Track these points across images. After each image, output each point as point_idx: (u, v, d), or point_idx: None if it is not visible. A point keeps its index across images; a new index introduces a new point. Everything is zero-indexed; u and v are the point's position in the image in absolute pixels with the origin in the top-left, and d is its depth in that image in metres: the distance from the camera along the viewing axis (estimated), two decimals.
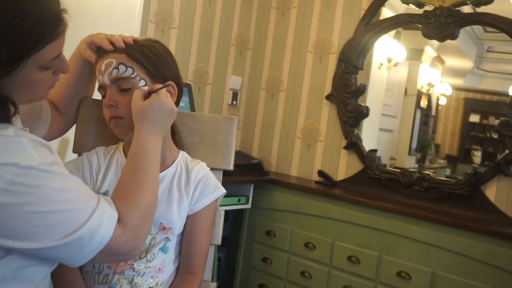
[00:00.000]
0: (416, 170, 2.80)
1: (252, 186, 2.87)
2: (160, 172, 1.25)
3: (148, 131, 1.10)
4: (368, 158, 2.83)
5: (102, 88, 1.20)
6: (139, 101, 1.12)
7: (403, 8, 2.84)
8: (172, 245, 1.25)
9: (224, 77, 3.25)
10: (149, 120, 1.10)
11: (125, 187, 1.03)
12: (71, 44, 2.07)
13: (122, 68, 1.16)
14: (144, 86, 1.18)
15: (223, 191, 1.30)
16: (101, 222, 0.91)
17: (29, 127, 1.23)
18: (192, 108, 2.81)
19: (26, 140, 0.88)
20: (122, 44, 1.18)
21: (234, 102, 3.32)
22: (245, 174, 2.82)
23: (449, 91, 4.45)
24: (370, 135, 3.07)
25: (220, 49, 3.18)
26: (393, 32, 2.99)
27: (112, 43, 1.18)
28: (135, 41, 1.20)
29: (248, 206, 2.89)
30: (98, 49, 1.20)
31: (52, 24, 0.90)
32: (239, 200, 2.82)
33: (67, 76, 1.28)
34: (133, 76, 1.17)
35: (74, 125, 1.38)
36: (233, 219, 3.16)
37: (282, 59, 3.25)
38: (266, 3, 3.34)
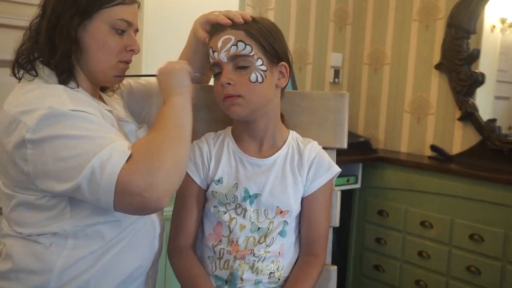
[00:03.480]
0: None
1: (360, 165, 2.78)
2: (272, 154, 1.22)
3: (169, 94, 1.11)
4: (486, 129, 2.63)
5: (216, 66, 1.16)
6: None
7: None
8: (290, 228, 1.22)
9: (325, 55, 3.16)
10: (163, 87, 1.13)
11: (146, 136, 1.06)
12: (174, 32, 2.11)
13: (241, 45, 1.12)
14: (261, 65, 1.14)
15: (337, 169, 1.24)
16: (111, 155, 0.95)
17: (141, 113, 1.30)
18: (295, 89, 2.77)
19: (66, 94, 1.03)
20: (241, 20, 1.13)
21: (336, 80, 3.23)
22: (352, 153, 2.72)
23: None
24: (485, 104, 2.86)
25: (319, 26, 3.10)
26: None
27: (229, 19, 1.14)
28: (252, 18, 1.16)
29: (358, 185, 2.81)
30: (213, 26, 1.17)
31: None
32: (348, 180, 2.74)
33: (183, 55, 1.33)
34: (251, 54, 1.13)
35: None
36: (342, 200, 3.07)
37: (385, 31, 3.10)
38: None
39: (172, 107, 1.07)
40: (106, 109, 1.14)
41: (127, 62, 1.16)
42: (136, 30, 1.16)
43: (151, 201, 0.94)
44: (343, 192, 2.86)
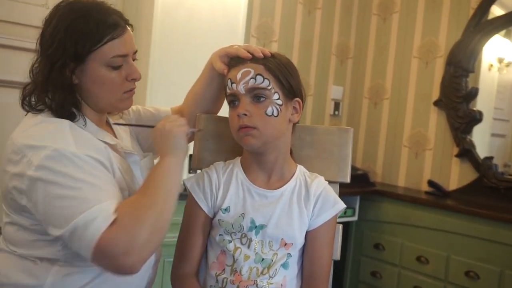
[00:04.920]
0: None
1: (358, 198, 2.80)
2: (280, 187, 1.24)
3: (163, 153, 1.12)
4: (483, 166, 2.67)
5: (233, 97, 1.18)
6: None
7: None
8: (294, 261, 1.23)
9: (326, 87, 3.21)
10: (158, 146, 1.14)
11: (134, 197, 1.06)
12: (179, 58, 2.14)
13: (259, 78, 1.15)
14: (277, 99, 1.17)
15: (343, 205, 1.26)
16: (96, 216, 0.96)
17: (148, 137, 1.34)
18: None
19: (71, 135, 1.04)
20: (261, 54, 1.17)
21: (336, 112, 3.27)
22: (350, 185, 2.73)
23: None
24: (482, 142, 2.90)
25: (321, 59, 3.16)
26: (503, 31, 2.81)
27: (249, 53, 1.18)
28: (271, 53, 1.19)
29: (355, 218, 2.82)
30: (232, 59, 1.20)
31: (111, 27, 1.09)
32: (345, 213, 2.75)
33: (196, 86, 1.36)
34: (269, 88, 1.16)
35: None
36: None
37: (385, 66, 3.16)
38: (366, 10, 3.27)
39: (165, 168, 1.09)
40: (111, 143, 1.16)
41: (131, 90, 1.18)
42: (135, 52, 1.17)
43: (126, 266, 0.97)
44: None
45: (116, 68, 1.11)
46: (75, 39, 1.06)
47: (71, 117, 1.09)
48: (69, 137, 1.04)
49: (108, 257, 0.96)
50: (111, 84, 1.12)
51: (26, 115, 1.12)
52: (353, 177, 2.76)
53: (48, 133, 1.04)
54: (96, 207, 0.98)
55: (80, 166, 1.01)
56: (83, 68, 1.08)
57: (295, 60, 3.01)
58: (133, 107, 1.35)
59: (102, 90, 1.12)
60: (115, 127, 1.27)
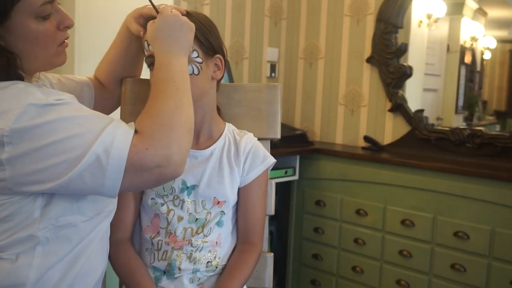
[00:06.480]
0: (466, 127, 2.71)
1: (298, 157, 2.85)
2: (209, 146, 1.24)
3: (165, 52, 1.04)
4: (415, 119, 2.76)
5: (151, 59, 1.15)
6: (150, 27, 1.08)
7: None
8: (227, 218, 1.25)
9: (261, 49, 3.21)
10: (161, 40, 1.04)
11: (146, 105, 1.00)
12: (107, 25, 2.07)
13: None
14: (196, 57, 1.15)
15: (272, 160, 1.28)
16: (114, 137, 0.90)
17: None
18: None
19: (35, 89, 0.93)
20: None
21: (273, 74, 3.28)
22: (289, 145, 2.79)
23: (493, 44, 4.26)
24: (414, 96, 2.99)
25: (254, 21, 3.14)
26: None
27: None
28: (187, 11, 1.17)
29: (296, 177, 2.87)
30: (147, 20, 1.16)
31: None
32: (286, 172, 2.80)
33: (112, 52, 1.30)
34: None
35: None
36: (281, 192, 3.15)
37: (318, 25, 3.18)
38: None
39: (178, 70, 1.02)
40: None
41: (66, 39, 1.05)
42: None
43: (169, 173, 0.93)
44: (282, 184, 2.95)
45: (46, 17, 0.97)
46: None
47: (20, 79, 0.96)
48: (34, 90, 0.92)
49: (147, 169, 0.91)
50: (45, 37, 0.98)
51: None
52: (292, 137, 2.87)
53: (9, 94, 0.91)
54: (108, 129, 0.91)
55: (62, 109, 0.91)
56: (8, 27, 0.93)
57: (228, 23, 2.98)
58: (50, 76, 1.23)
59: (36, 47, 0.97)
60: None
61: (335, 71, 3.11)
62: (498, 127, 4.07)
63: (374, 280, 2.63)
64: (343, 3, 3.05)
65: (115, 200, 1.09)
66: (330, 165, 2.81)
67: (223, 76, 1.25)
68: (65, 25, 1.02)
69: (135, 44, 1.25)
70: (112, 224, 1.21)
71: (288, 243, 3.03)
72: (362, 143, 2.95)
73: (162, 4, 1.12)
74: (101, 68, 1.34)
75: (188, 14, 1.16)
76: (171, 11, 1.07)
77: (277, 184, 3.03)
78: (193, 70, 1.15)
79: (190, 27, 1.07)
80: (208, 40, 1.17)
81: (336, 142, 3.13)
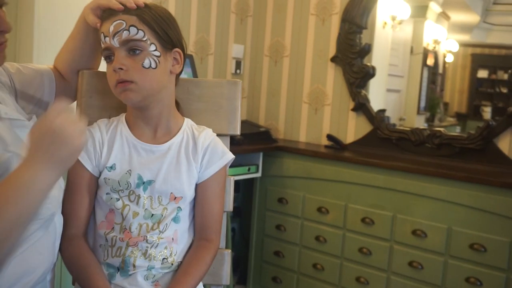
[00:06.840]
0: (426, 128, 2.76)
1: (261, 154, 2.85)
2: (166, 141, 1.22)
3: (39, 161, 0.87)
4: (377, 119, 2.79)
5: (108, 51, 1.14)
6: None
7: None
8: (185, 214, 1.23)
9: (226, 46, 3.19)
10: (36, 149, 0.88)
11: None
12: (70, 12, 2.02)
13: (133, 30, 1.11)
14: (154, 51, 1.14)
15: (231, 156, 1.27)
16: None
17: (33, 96, 1.22)
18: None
19: None
20: (134, 5, 1.12)
21: (238, 71, 3.27)
22: (253, 143, 2.79)
23: (455, 48, 4.37)
24: (377, 96, 3.03)
25: (220, 17, 3.12)
26: None
27: (121, 4, 1.12)
28: (145, 4, 1.15)
29: (259, 174, 2.87)
30: (104, 12, 1.14)
31: None
32: (249, 170, 2.80)
33: (70, 43, 1.28)
34: (144, 39, 1.12)
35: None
36: (244, 189, 3.15)
37: (284, 24, 3.19)
38: None
39: (36, 183, 0.86)
40: None
41: (2, 44, 1.06)
42: (4, 3, 1.04)
43: None
44: (244, 181, 2.95)
45: None
46: None
47: None
48: None
49: None
50: None
51: None
52: (255, 134, 2.87)
53: None
54: None
55: None
56: None
57: (193, 19, 2.95)
58: (8, 65, 1.21)
59: None
60: None
61: (299, 70, 3.13)
62: (458, 129, 4.18)
63: (334, 277, 2.66)
64: (309, 2, 3.06)
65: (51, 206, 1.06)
66: (293, 163, 2.82)
67: (182, 70, 1.24)
68: (0, 29, 1.02)
69: (93, 36, 1.22)
70: (65, 219, 1.19)
71: (250, 240, 3.03)
72: (325, 141, 2.97)
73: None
74: (59, 58, 1.32)
75: (146, 7, 1.14)
76: (58, 114, 0.88)
77: (240, 181, 3.05)
78: (151, 64, 1.13)
79: (75, 146, 0.90)
80: (166, 33, 1.16)
81: (300, 140, 3.14)
